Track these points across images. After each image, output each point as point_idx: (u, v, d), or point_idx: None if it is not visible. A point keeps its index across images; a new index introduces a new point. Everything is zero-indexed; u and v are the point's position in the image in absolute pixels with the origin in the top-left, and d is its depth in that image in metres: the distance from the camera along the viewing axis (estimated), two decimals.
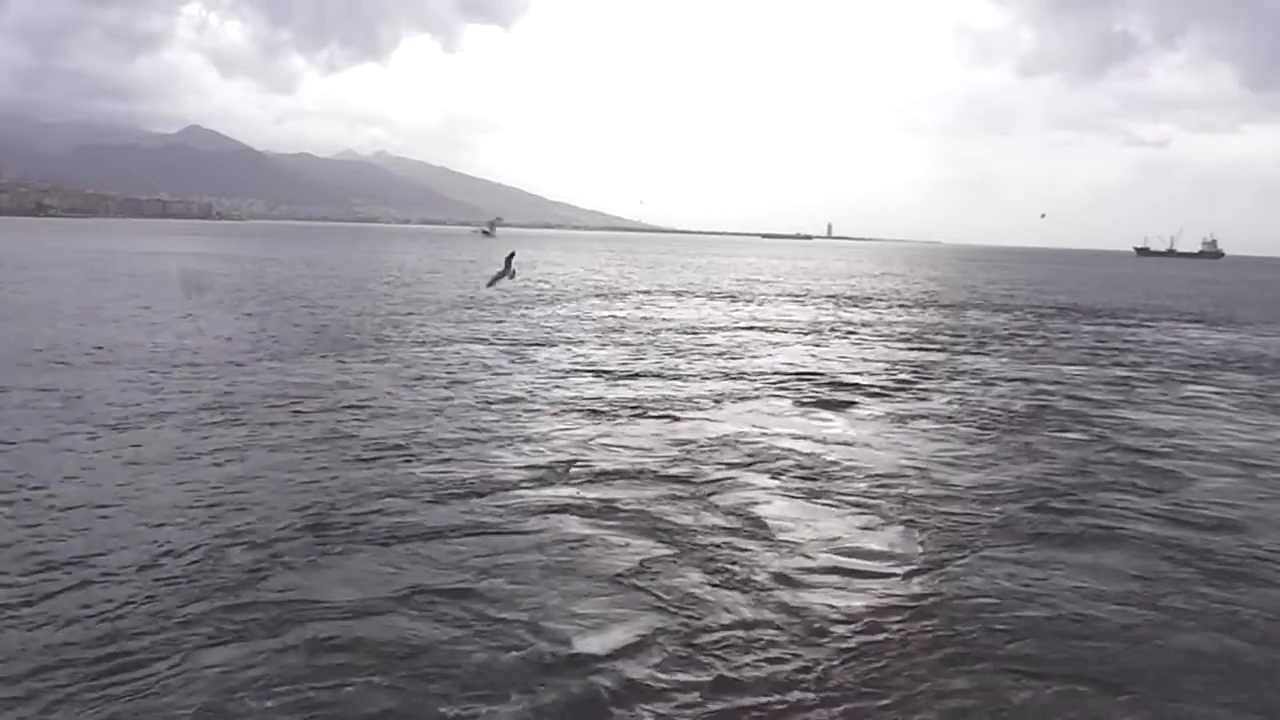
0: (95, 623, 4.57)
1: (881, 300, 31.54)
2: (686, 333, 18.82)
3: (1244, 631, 4.93)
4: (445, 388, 11.33)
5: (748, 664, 4.37)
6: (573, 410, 10.16)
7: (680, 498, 6.96)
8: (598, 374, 12.79)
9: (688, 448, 8.55)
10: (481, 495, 6.82)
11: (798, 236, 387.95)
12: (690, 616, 4.86)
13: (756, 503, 6.92)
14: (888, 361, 15.35)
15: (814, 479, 7.66)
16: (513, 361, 13.77)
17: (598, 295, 28.86)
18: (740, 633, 4.69)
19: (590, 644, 4.51)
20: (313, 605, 4.84)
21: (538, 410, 10.12)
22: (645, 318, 21.93)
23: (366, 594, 5.01)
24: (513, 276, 13.10)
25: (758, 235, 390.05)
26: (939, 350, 17.27)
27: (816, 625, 4.83)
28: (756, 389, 12.11)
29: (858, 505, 6.97)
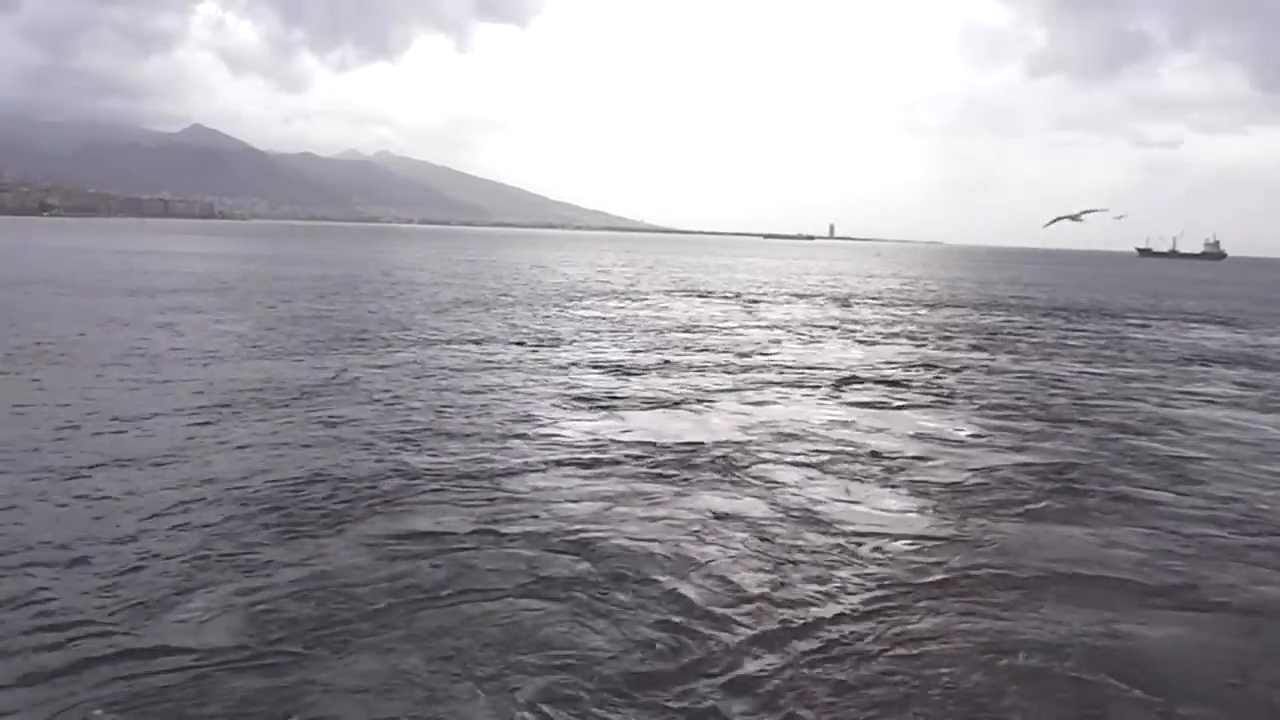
0: (90, 607, 4.59)
1: (886, 300, 31.73)
2: (698, 331, 19.02)
3: (1263, 591, 5.29)
4: (462, 381, 11.53)
5: (803, 623, 4.62)
6: (594, 403, 10.38)
7: (717, 477, 7.34)
8: (616, 370, 13.00)
9: (716, 435, 8.87)
10: (512, 476, 7.02)
11: (800, 237, 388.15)
12: (734, 582, 5.17)
13: (791, 481, 7.30)
14: (899, 357, 15.60)
15: (842, 461, 8.04)
16: (530, 358, 13.98)
17: (604, 295, 29.07)
18: (794, 592, 5.03)
19: (652, 598, 4.85)
20: (344, 574, 4.99)
21: (561, 402, 10.34)
22: (655, 316, 22.13)
23: (408, 565, 5.18)
24: None
25: (760, 236, 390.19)
26: (947, 347, 17.49)
27: (862, 588, 5.14)
28: (774, 382, 12.35)
29: (889, 484, 7.38)
